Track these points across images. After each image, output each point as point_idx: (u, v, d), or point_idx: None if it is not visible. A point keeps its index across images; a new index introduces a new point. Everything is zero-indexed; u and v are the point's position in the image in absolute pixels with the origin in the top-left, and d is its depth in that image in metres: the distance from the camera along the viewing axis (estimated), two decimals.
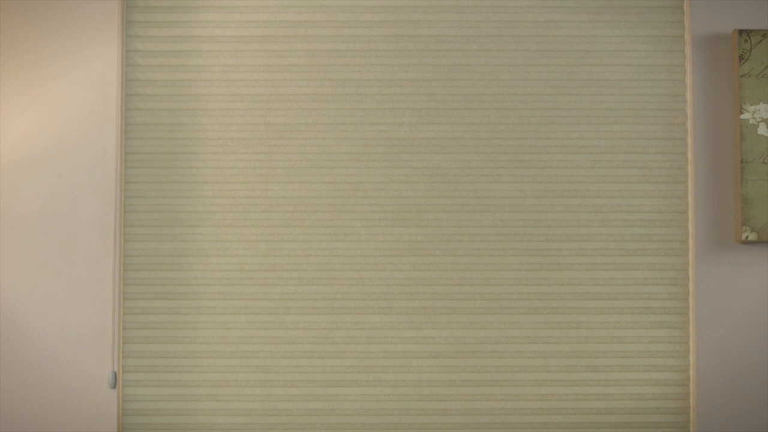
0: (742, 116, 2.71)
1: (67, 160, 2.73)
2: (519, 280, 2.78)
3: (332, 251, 2.77)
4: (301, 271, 2.76)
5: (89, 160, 2.74)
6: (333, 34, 2.81)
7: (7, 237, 2.71)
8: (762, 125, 2.71)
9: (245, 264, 2.76)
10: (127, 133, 2.76)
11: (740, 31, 2.71)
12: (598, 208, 2.80)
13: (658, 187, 2.80)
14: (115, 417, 2.69)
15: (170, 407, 2.72)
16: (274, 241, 2.76)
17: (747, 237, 2.69)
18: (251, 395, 2.75)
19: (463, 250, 2.78)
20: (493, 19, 2.81)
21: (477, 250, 2.77)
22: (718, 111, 2.78)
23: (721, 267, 2.75)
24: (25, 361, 2.70)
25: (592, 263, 2.79)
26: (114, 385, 2.68)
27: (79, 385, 2.70)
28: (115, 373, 2.69)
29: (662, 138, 2.80)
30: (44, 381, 2.70)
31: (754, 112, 2.71)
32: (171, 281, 2.74)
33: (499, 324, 2.78)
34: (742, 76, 2.71)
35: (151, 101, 2.77)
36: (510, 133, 2.80)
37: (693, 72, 2.78)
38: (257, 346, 2.74)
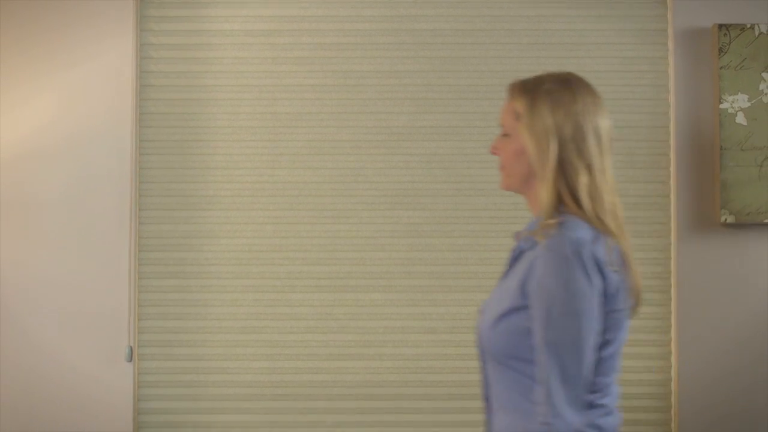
0: (722, 106, 2.77)
1: (85, 148, 2.79)
2: None
3: (335, 233, 2.83)
4: (306, 251, 2.82)
5: (106, 147, 2.79)
6: (336, 28, 2.86)
7: (29, 220, 2.77)
8: (740, 114, 2.76)
9: (253, 245, 2.82)
10: (141, 122, 2.81)
11: (720, 26, 2.77)
12: None
13: (642, 172, 2.85)
14: (131, 388, 2.75)
15: (183, 379, 2.79)
16: (280, 224, 2.82)
17: (726, 219, 2.75)
18: (259, 368, 2.81)
19: (458, 231, 2.83)
20: (487, 14, 2.86)
21: (471, 232, 2.83)
22: (699, 101, 2.83)
23: (701, 248, 2.81)
24: (47, 337, 2.76)
25: None
26: (130, 359, 2.74)
27: (97, 358, 2.76)
28: (131, 348, 2.74)
29: (646, 126, 2.85)
30: (65, 355, 2.76)
31: (732, 101, 2.77)
32: (183, 261, 2.80)
33: None
34: (721, 68, 2.77)
35: (165, 92, 2.82)
36: None
37: (675, 64, 2.83)
38: (264, 322, 2.81)
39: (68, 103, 2.81)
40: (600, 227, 1.53)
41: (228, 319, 2.82)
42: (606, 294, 1.51)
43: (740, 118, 2.78)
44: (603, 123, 1.58)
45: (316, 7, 2.87)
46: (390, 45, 2.87)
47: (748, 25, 2.77)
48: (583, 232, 1.50)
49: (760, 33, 2.77)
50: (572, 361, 1.48)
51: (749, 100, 2.78)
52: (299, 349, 2.84)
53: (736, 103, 2.78)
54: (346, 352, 2.83)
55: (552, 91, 1.59)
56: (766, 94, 2.77)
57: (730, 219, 2.77)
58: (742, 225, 2.81)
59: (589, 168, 1.54)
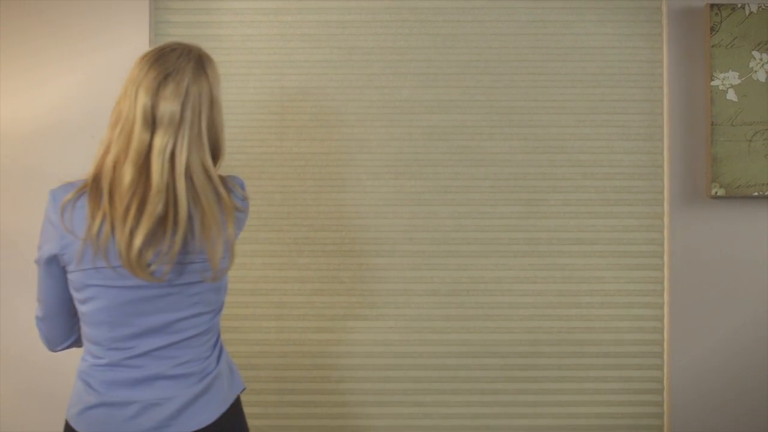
0: (713, 83, 2.82)
1: (102, 125, 2.79)
2: (509, 226, 2.90)
3: (340, 201, 2.89)
4: (312, 218, 2.89)
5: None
6: (341, 6, 2.91)
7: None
8: (731, 91, 2.82)
9: (262, 212, 2.88)
10: None
11: (712, 5, 2.82)
12: (582, 162, 2.91)
13: (637, 144, 2.91)
14: None
15: None
16: (287, 192, 2.88)
17: (716, 192, 2.81)
18: (267, 327, 2.89)
19: (459, 200, 2.90)
20: None
21: (471, 200, 2.89)
22: (691, 77, 2.88)
23: (692, 219, 2.88)
24: None
25: (575, 212, 2.91)
26: None
27: None
28: None
29: (641, 100, 2.91)
30: None
31: (723, 79, 2.82)
32: None
33: (491, 266, 2.89)
34: (713, 46, 2.82)
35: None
36: (501, 95, 2.90)
37: (669, 41, 2.88)
38: (273, 284, 2.87)
39: (86, 82, 2.86)
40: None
41: (239, 282, 2.87)
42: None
43: (731, 95, 2.83)
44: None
45: None
46: (393, 22, 2.93)
47: (739, 5, 2.82)
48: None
49: (751, 12, 2.82)
50: None
51: (740, 78, 2.83)
52: (306, 310, 2.90)
53: (727, 80, 2.83)
54: (351, 312, 2.89)
55: None
56: (755, 71, 2.82)
57: (720, 192, 2.82)
58: (731, 197, 2.87)
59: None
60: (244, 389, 1.95)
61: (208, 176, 1.74)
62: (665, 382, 2.92)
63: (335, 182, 2.91)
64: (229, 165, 2.87)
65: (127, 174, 1.69)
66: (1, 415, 2.86)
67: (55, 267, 1.82)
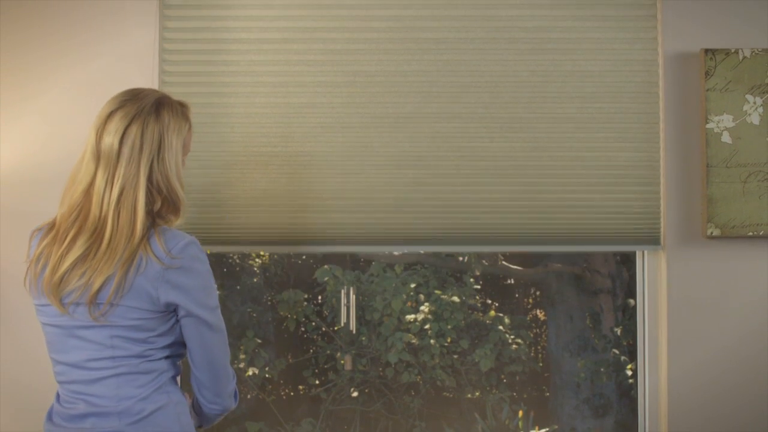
0: (708, 125, 2.88)
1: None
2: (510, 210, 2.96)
3: (344, 184, 2.95)
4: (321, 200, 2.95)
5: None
6: (346, 37, 2.98)
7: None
8: (725, 133, 2.88)
9: (268, 191, 2.94)
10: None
11: (706, 50, 2.89)
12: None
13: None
14: None
15: None
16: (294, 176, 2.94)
17: (712, 233, 2.86)
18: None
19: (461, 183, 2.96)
20: (486, 25, 2.99)
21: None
22: (687, 120, 2.95)
23: (688, 259, 2.92)
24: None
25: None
26: None
27: None
28: None
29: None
30: None
31: (718, 122, 2.88)
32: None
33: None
34: (707, 90, 2.88)
35: (185, 76, 2.97)
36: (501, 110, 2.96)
37: (665, 85, 2.95)
38: None
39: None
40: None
41: None
42: None
43: (726, 137, 2.89)
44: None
45: (327, 20, 2.98)
46: (396, 50, 3.00)
47: (733, 50, 2.90)
48: None
49: (744, 57, 2.90)
50: None
51: (734, 120, 2.89)
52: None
53: (722, 123, 2.89)
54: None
55: None
56: (749, 114, 2.89)
57: (716, 232, 2.87)
58: (726, 238, 2.90)
59: None
60: None
61: (134, 214, 1.76)
62: (661, 412, 2.92)
63: (339, 172, 2.98)
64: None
65: (72, 200, 1.78)
66: None
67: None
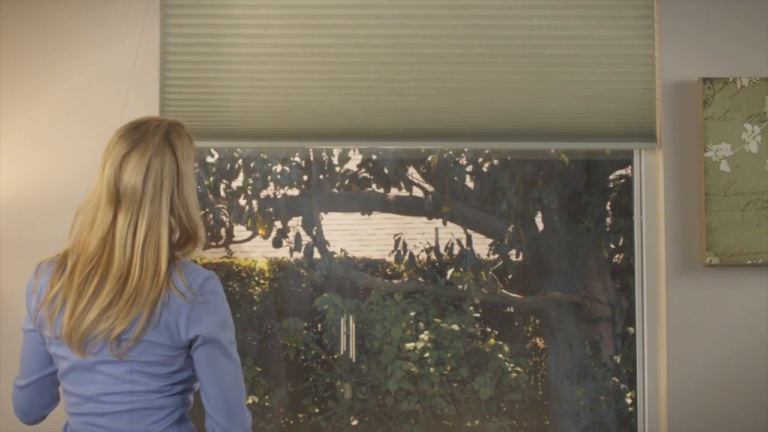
0: (706, 154, 2.91)
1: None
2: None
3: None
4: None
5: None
6: (345, 52, 3.02)
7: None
8: (724, 162, 2.90)
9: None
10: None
11: (704, 79, 2.92)
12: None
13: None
14: None
15: None
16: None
17: (710, 261, 2.88)
18: None
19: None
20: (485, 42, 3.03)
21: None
22: (685, 149, 2.97)
23: (687, 287, 2.93)
24: None
25: None
26: None
27: None
28: None
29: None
30: None
31: (716, 150, 2.91)
32: None
33: None
34: (706, 118, 2.91)
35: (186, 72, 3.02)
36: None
37: (663, 115, 2.98)
38: None
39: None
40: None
41: None
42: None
43: (724, 166, 2.91)
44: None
45: (326, 38, 3.02)
46: (395, 62, 3.03)
47: (731, 79, 2.93)
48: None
49: (742, 86, 2.92)
50: None
51: (732, 149, 2.92)
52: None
53: (720, 151, 2.92)
54: None
55: None
56: (747, 143, 2.91)
57: (715, 260, 2.89)
58: (725, 266, 2.92)
59: None
60: None
61: (158, 251, 1.74)
62: None
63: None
64: None
65: (91, 246, 1.74)
66: None
67: (34, 334, 1.86)
